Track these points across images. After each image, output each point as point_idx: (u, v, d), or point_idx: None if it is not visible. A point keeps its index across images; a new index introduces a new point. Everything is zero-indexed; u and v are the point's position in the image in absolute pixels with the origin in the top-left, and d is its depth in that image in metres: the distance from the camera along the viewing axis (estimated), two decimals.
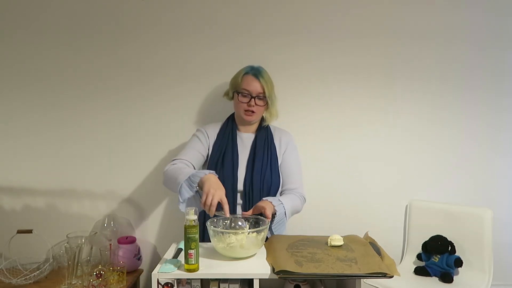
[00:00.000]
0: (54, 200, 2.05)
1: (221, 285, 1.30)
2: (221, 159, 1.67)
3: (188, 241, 1.24)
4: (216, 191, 1.38)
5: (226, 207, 1.39)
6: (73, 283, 1.61)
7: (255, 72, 1.69)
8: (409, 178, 2.09)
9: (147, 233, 2.09)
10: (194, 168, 1.64)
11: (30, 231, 1.84)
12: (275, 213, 1.52)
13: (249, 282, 1.31)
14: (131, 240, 1.91)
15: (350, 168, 2.07)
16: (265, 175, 1.66)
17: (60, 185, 2.05)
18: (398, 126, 2.08)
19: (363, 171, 2.08)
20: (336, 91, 2.05)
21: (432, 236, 1.94)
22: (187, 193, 1.44)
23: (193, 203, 1.48)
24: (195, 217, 1.26)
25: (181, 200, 1.44)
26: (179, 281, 1.28)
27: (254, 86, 1.66)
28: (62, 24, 2.01)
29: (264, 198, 1.55)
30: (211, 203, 1.36)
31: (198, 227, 1.26)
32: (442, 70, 2.06)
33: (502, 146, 2.08)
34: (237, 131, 1.75)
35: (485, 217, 1.89)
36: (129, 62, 2.03)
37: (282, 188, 1.73)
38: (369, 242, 1.47)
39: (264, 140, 1.72)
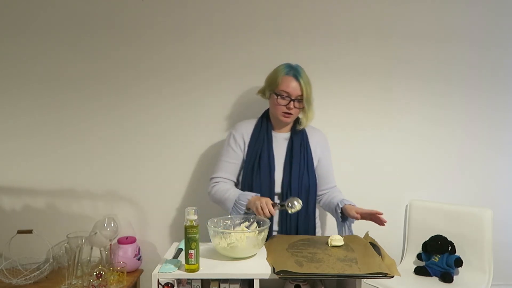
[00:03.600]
0: (54, 200, 2.05)
1: (221, 285, 1.30)
2: (257, 161, 1.65)
3: (188, 241, 1.24)
4: (261, 199, 1.48)
5: (269, 203, 1.48)
6: (73, 283, 1.61)
7: (295, 72, 1.62)
8: (409, 178, 2.10)
9: (147, 233, 2.08)
10: (236, 180, 1.72)
11: (30, 231, 1.83)
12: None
13: (250, 282, 1.31)
14: (131, 240, 1.91)
15: (350, 168, 2.07)
16: (302, 177, 1.65)
17: (60, 185, 2.05)
18: (398, 126, 2.08)
19: (363, 171, 2.08)
20: (336, 91, 2.05)
21: (432, 236, 1.94)
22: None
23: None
24: (195, 217, 1.26)
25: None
26: (179, 281, 1.28)
27: (294, 88, 1.60)
28: (62, 25, 2.01)
29: (345, 203, 1.61)
30: (267, 209, 1.45)
31: (198, 227, 1.26)
32: (442, 70, 2.06)
33: (503, 145, 2.09)
34: (272, 131, 1.72)
35: (485, 217, 1.89)
36: (129, 62, 2.02)
37: (322, 187, 1.74)
38: (369, 242, 1.47)
39: (300, 142, 1.70)
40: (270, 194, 1.63)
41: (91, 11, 2.00)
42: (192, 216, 1.25)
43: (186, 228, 1.25)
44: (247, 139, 1.70)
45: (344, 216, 1.62)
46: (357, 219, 1.54)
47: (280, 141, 1.71)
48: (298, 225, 1.64)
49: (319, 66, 2.03)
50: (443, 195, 2.08)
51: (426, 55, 2.05)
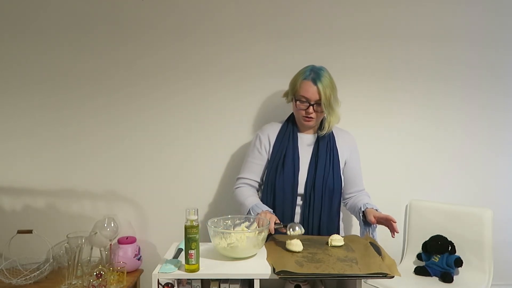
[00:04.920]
0: (54, 200, 2.05)
1: (221, 285, 1.31)
2: (281, 161, 1.65)
3: (188, 241, 1.24)
4: (266, 215, 1.49)
5: (273, 221, 1.47)
6: (73, 283, 1.61)
7: (314, 76, 1.60)
8: (409, 178, 2.09)
9: (147, 233, 2.08)
10: (261, 181, 1.73)
11: (30, 231, 1.83)
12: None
13: (250, 282, 1.31)
14: (131, 240, 1.91)
15: None
16: (327, 179, 1.64)
17: (60, 185, 2.05)
18: (397, 126, 2.08)
19: (364, 171, 2.07)
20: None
21: (432, 236, 1.94)
22: None
23: None
24: (195, 217, 1.26)
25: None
26: (179, 281, 1.28)
27: (312, 93, 1.59)
28: (61, 25, 2.01)
29: (367, 206, 1.59)
30: (267, 223, 1.44)
31: (198, 227, 1.26)
32: (441, 70, 2.06)
33: (502, 146, 2.09)
34: (298, 132, 1.72)
35: (485, 217, 1.89)
36: (129, 62, 2.02)
37: (349, 190, 1.73)
38: (369, 242, 1.47)
39: (327, 143, 1.69)
40: (293, 194, 1.63)
41: (91, 10, 2.00)
42: (192, 216, 1.25)
43: (186, 228, 1.25)
44: (273, 140, 1.70)
45: (366, 220, 1.61)
46: (373, 223, 1.53)
47: (306, 142, 1.71)
48: (320, 227, 1.63)
49: None
50: (443, 195, 2.08)
51: (425, 55, 2.05)
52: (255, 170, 1.71)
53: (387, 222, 1.49)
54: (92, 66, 2.02)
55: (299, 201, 1.65)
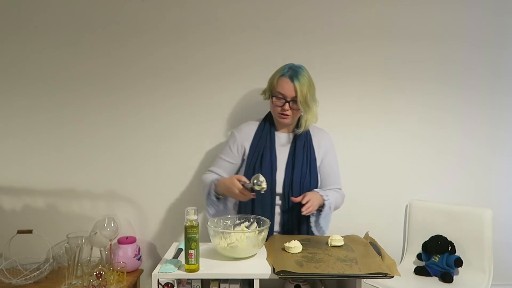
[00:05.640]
0: (54, 200, 2.05)
1: (221, 285, 1.30)
2: (259, 161, 1.65)
3: (188, 241, 1.24)
4: (232, 186, 1.48)
5: (238, 182, 1.47)
6: (73, 283, 1.61)
7: (292, 73, 1.60)
8: (409, 178, 2.09)
9: (147, 233, 2.08)
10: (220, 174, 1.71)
11: (30, 231, 1.83)
12: (323, 205, 1.56)
13: (250, 282, 1.31)
14: (131, 240, 1.91)
15: (350, 168, 2.07)
16: (304, 178, 1.64)
17: (60, 185, 2.05)
18: (397, 126, 2.08)
19: (363, 171, 2.08)
20: (336, 92, 2.05)
21: (432, 236, 1.94)
22: (213, 208, 1.61)
23: (223, 211, 1.63)
24: (195, 217, 1.26)
25: (209, 211, 1.62)
26: (179, 281, 1.28)
27: (288, 90, 1.59)
28: (61, 24, 2.01)
29: (315, 190, 1.60)
30: (244, 195, 1.47)
31: (198, 227, 1.26)
32: (441, 70, 2.06)
33: (502, 145, 2.09)
34: (275, 131, 1.72)
35: (485, 217, 1.89)
36: (129, 62, 2.02)
37: (324, 188, 1.72)
38: (369, 242, 1.47)
39: (304, 142, 1.69)
40: (271, 194, 1.62)
41: (91, 10, 2.00)
42: (192, 216, 1.25)
43: (186, 228, 1.25)
44: (248, 143, 1.70)
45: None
46: (299, 201, 1.53)
47: (283, 141, 1.71)
48: (300, 227, 1.63)
49: (318, 66, 2.03)
50: (443, 195, 2.08)
51: (425, 55, 2.05)
52: (225, 167, 1.72)
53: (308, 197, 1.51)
54: (92, 66, 2.02)
55: (277, 200, 1.65)
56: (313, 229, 1.60)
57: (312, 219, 1.59)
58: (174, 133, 2.05)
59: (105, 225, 1.88)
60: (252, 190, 1.47)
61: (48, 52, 2.01)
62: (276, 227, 1.65)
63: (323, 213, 1.57)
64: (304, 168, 1.65)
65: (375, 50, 2.04)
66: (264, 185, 1.42)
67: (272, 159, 1.65)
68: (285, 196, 1.63)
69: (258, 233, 1.36)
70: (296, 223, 1.63)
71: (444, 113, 2.07)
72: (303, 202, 1.49)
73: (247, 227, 1.48)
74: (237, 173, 1.75)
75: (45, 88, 2.02)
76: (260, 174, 1.44)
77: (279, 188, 1.64)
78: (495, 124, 2.08)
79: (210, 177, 1.67)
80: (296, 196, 1.55)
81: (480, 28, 2.04)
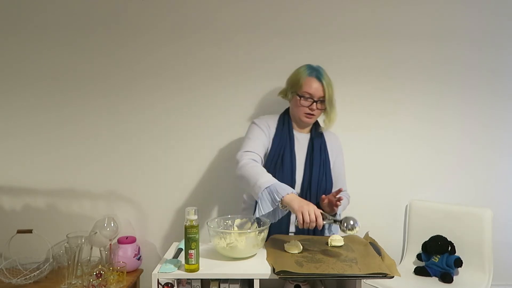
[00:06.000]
0: (54, 200, 2.05)
1: (221, 285, 1.30)
2: (280, 160, 1.62)
3: (188, 241, 1.24)
4: (309, 206, 1.33)
5: (320, 220, 1.33)
6: (73, 283, 1.61)
7: (317, 74, 1.61)
8: (409, 178, 2.09)
9: (147, 233, 2.08)
10: (262, 160, 1.59)
11: (30, 231, 1.83)
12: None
13: (249, 282, 1.31)
14: (131, 240, 1.91)
15: (350, 168, 2.07)
16: (322, 179, 1.65)
17: (60, 185, 2.05)
18: (397, 126, 2.08)
19: (363, 171, 2.08)
20: (335, 92, 2.04)
21: (432, 236, 1.94)
22: (267, 207, 1.39)
23: (270, 215, 1.44)
24: (195, 217, 1.26)
25: (262, 213, 1.39)
26: (179, 281, 1.28)
27: (316, 89, 1.60)
28: (61, 24, 2.01)
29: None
30: (314, 219, 1.31)
31: (198, 227, 1.26)
32: (441, 70, 2.06)
33: (502, 146, 2.08)
34: (294, 130, 1.70)
35: (485, 217, 1.89)
36: (129, 62, 2.03)
37: (332, 190, 1.71)
38: (369, 242, 1.47)
39: (320, 145, 1.70)
40: None
41: (91, 10, 2.00)
42: (192, 216, 1.25)
43: (186, 228, 1.25)
44: (273, 133, 1.66)
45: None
46: (324, 203, 1.54)
47: (301, 142, 1.70)
48: (315, 228, 1.62)
49: None
50: (443, 195, 2.08)
51: (425, 55, 2.05)
52: (260, 147, 1.60)
53: (331, 199, 1.51)
54: (92, 66, 2.02)
55: None
56: (326, 231, 1.63)
57: (326, 223, 1.60)
58: (174, 133, 2.05)
59: (105, 225, 1.88)
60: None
61: (48, 52, 2.01)
62: (292, 228, 1.64)
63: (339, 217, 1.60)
64: (321, 170, 1.66)
65: (375, 50, 2.04)
66: (357, 230, 1.28)
67: (292, 159, 1.64)
68: (302, 196, 1.61)
69: (258, 233, 1.36)
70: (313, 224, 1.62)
71: (444, 113, 2.07)
72: (337, 196, 1.48)
73: (238, 226, 1.49)
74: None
75: (45, 88, 2.03)
76: (353, 218, 1.30)
77: (297, 188, 1.63)
78: (495, 124, 2.08)
79: (260, 167, 1.50)
80: (314, 197, 1.58)
81: (480, 28, 2.04)
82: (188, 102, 2.04)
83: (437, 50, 2.05)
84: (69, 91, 2.03)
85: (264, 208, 1.39)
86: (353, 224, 1.28)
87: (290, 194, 1.38)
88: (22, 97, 2.03)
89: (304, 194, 1.63)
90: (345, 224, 1.30)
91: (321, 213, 1.33)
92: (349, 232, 1.29)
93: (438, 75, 2.06)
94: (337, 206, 1.50)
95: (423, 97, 2.07)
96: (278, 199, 1.37)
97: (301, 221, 1.31)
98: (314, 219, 1.31)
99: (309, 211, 1.31)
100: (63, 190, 2.05)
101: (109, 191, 2.06)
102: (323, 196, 1.56)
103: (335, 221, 1.32)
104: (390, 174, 2.09)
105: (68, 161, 2.05)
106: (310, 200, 1.57)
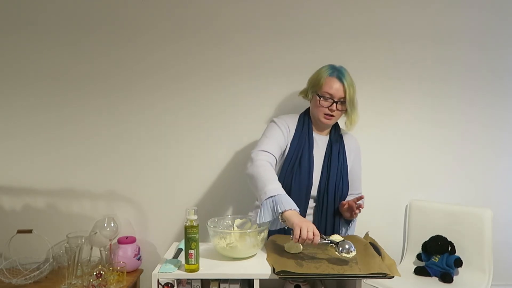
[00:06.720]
0: (54, 200, 2.05)
1: (221, 285, 1.31)
2: (298, 162, 1.60)
3: (188, 241, 1.24)
4: (309, 225, 1.30)
5: (317, 238, 1.31)
6: (73, 283, 1.61)
7: (339, 74, 1.59)
8: (409, 178, 2.09)
9: (147, 233, 2.08)
10: (276, 161, 1.57)
11: (30, 231, 1.83)
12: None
13: (249, 282, 1.31)
14: (131, 240, 1.91)
15: None
16: (339, 184, 1.64)
17: (60, 185, 2.05)
18: (397, 126, 2.08)
19: (363, 171, 2.07)
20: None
21: (432, 236, 1.94)
22: (268, 216, 1.37)
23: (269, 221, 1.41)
24: (195, 217, 1.26)
25: (263, 221, 1.37)
26: (179, 281, 1.28)
27: (337, 90, 1.57)
28: (62, 24, 2.01)
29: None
30: (312, 235, 1.29)
31: (198, 227, 1.26)
32: (441, 70, 2.06)
33: (502, 146, 2.08)
34: (313, 132, 1.68)
35: (485, 217, 1.89)
36: (129, 62, 2.02)
37: (348, 192, 1.72)
38: (369, 242, 1.47)
39: (339, 147, 1.68)
40: (306, 196, 1.60)
41: (91, 10, 2.00)
42: (192, 216, 1.25)
43: (186, 228, 1.25)
44: (292, 133, 1.64)
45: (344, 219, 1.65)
46: (344, 209, 1.58)
47: (319, 144, 1.68)
48: (334, 230, 1.63)
49: (319, 67, 2.03)
50: (443, 195, 2.08)
51: (425, 56, 2.04)
52: (276, 148, 1.57)
53: (351, 204, 1.54)
54: (92, 66, 2.02)
55: (311, 203, 1.63)
56: (343, 232, 1.65)
57: (343, 230, 1.65)
58: (174, 133, 2.05)
59: (105, 225, 1.88)
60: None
61: (48, 52, 2.01)
62: None
63: (353, 224, 1.66)
64: (339, 173, 1.64)
65: (375, 50, 2.04)
66: (354, 254, 1.27)
67: (310, 161, 1.62)
68: (319, 200, 1.62)
69: (258, 233, 1.36)
70: (331, 227, 1.62)
71: (444, 113, 2.07)
72: (358, 202, 1.50)
73: (237, 227, 1.49)
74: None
75: (45, 88, 2.03)
76: (348, 242, 1.29)
77: (314, 191, 1.62)
78: (495, 124, 2.08)
79: (271, 171, 1.46)
80: (331, 201, 1.60)
81: (481, 28, 2.04)
82: (188, 102, 2.04)
83: (437, 50, 2.05)
84: (69, 91, 2.03)
85: (265, 216, 1.37)
86: (349, 248, 1.27)
87: (292, 210, 1.34)
88: (22, 97, 2.03)
89: (321, 197, 1.62)
90: (340, 248, 1.28)
91: (319, 235, 1.31)
92: (344, 256, 1.27)
93: (438, 75, 2.06)
94: (356, 213, 1.52)
95: (423, 97, 2.07)
96: (280, 211, 1.34)
97: (297, 236, 1.28)
98: (311, 237, 1.28)
99: (308, 229, 1.29)
100: (63, 190, 2.05)
101: (109, 191, 2.06)
102: (343, 201, 1.58)
103: (331, 243, 1.31)
104: (390, 174, 2.09)
105: (68, 161, 2.05)
106: (327, 205, 1.61)
